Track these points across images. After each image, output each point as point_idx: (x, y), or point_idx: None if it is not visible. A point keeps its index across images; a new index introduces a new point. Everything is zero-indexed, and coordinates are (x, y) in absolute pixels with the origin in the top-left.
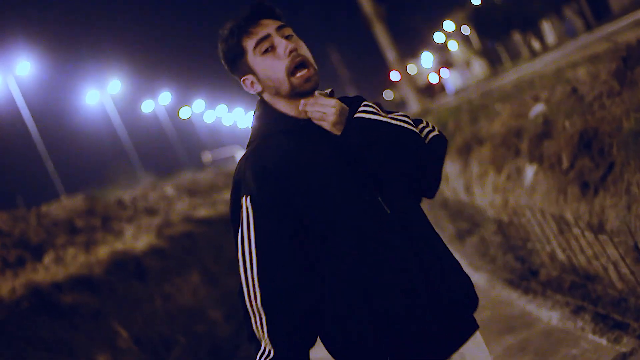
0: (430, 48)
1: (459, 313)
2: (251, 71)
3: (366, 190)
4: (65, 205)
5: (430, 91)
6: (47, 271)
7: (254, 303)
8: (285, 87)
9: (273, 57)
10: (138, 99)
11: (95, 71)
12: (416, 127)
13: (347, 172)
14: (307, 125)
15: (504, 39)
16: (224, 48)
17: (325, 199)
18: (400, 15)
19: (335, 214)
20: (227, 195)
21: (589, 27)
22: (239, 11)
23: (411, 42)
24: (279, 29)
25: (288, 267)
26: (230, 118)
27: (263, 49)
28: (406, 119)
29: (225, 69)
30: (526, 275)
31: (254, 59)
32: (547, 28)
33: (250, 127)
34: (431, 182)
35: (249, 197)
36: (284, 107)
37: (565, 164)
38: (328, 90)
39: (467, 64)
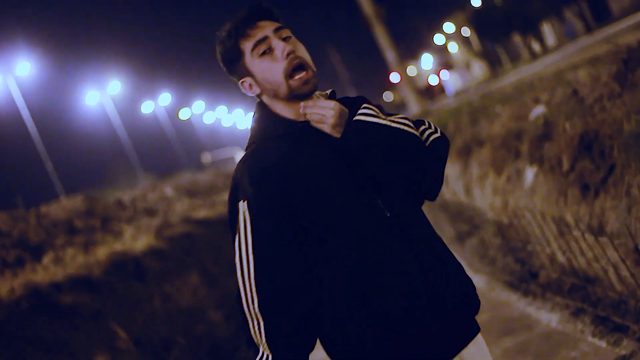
0: (430, 50)
1: (459, 316)
2: (249, 73)
3: (365, 192)
4: (64, 206)
5: (430, 93)
6: (47, 271)
7: (251, 307)
8: (283, 89)
9: (271, 59)
10: (138, 100)
11: (95, 72)
12: (417, 128)
13: (346, 175)
14: (305, 128)
15: (504, 41)
16: (221, 50)
17: (323, 201)
18: (401, 16)
19: (335, 216)
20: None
21: (589, 29)
22: (236, 13)
23: (411, 44)
24: (276, 30)
25: (285, 271)
26: (229, 119)
27: (261, 51)
28: (406, 122)
29: (224, 70)
30: (526, 278)
31: (252, 62)
32: (547, 30)
33: (249, 128)
34: (431, 184)
35: (246, 202)
36: (283, 109)
37: (565, 166)
38: (328, 91)
39: (467, 65)
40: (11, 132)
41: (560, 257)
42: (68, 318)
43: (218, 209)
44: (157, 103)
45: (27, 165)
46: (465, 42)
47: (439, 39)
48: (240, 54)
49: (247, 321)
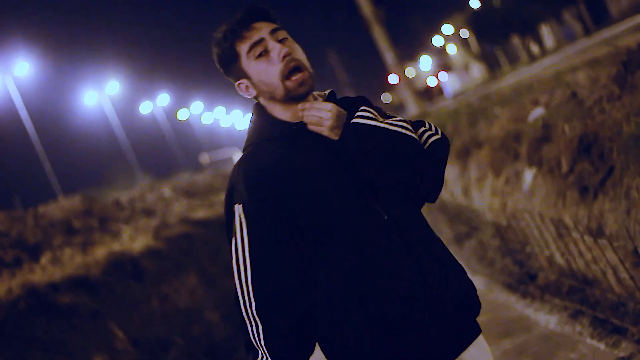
0: (429, 51)
1: (459, 318)
2: (245, 75)
3: (363, 195)
4: (62, 206)
5: (429, 94)
6: (44, 272)
7: (249, 311)
8: (279, 91)
9: (267, 61)
10: (136, 100)
11: (94, 72)
12: (417, 130)
13: (344, 177)
14: (301, 130)
15: (502, 43)
16: (217, 52)
17: (320, 203)
18: (399, 18)
19: (332, 218)
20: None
21: (587, 32)
22: (232, 14)
23: (410, 45)
24: (273, 32)
25: (282, 273)
26: (228, 120)
27: (257, 53)
28: (404, 125)
29: (220, 71)
30: (524, 279)
31: (248, 64)
32: (546, 32)
33: (247, 130)
34: (430, 187)
35: (241, 205)
36: (279, 111)
37: (564, 167)
38: (327, 92)
39: (466, 67)
40: (9, 132)
41: (559, 259)
42: (66, 318)
43: (216, 209)
44: (156, 103)
45: (25, 165)
46: (463, 43)
47: (437, 41)
48: (236, 56)
49: (245, 325)
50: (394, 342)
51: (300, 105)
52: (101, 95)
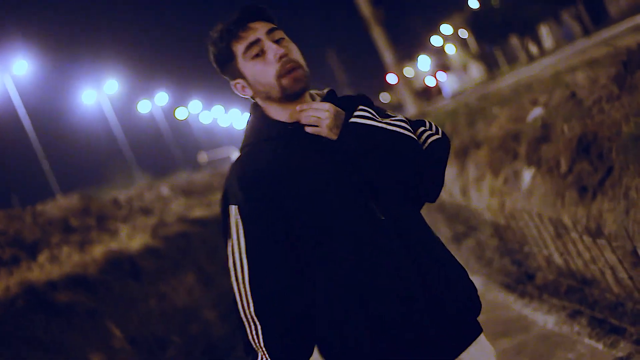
0: (428, 51)
1: (459, 318)
2: (241, 75)
3: (362, 195)
4: (60, 204)
5: (427, 94)
6: (42, 270)
7: (247, 312)
8: (275, 91)
9: (263, 62)
10: (135, 99)
11: (92, 71)
12: (416, 129)
13: (342, 177)
14: (297, 130)
15: (501, 43)
16: (213, 51)
17: (317, 203)
18: (398, 18)
19: (332, 219)
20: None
21: (586, 32)
22: (229, 13)
23: (408, 45)
24: (269, 32)
25: (279, 274)
26: (226, 119)
27: (253, 53)
28: (403, 124)
29: (217, 70)
30: (522, 279)
31: (244, 64)
32: (545, 32)
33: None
34: (429, 187)
35: (236, 206)
36: (276, 111)
37: (563, 167)
38: (325, 91)
39: (465, 67)
40: (8, 130)
41: (558, 259)
42: (64, 317)
43: (214, 208)
44: (154, 102)
45: (23, 163)
46: (462, 43)
47: (436, 41)
48: (232, 56)
49: (244, 326)
50: (393, 342)
51: (298, 107)
52: (100, 94)
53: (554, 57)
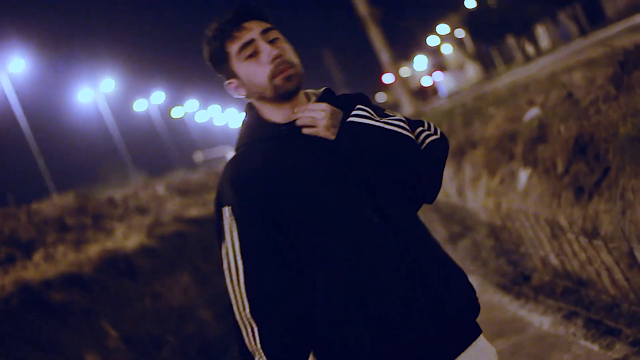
0: (424, 51)
1: (458, 319)
2: (235, 75)
3: (359, 195)
4: (56, 203)
5: (423, 94)
6: (37, 269)
7: (243, 314)
8: (269, 91)
9: (257, 62)
10: (131, 98)
11: (89, 69)
12: (415, 129)
13: (339, 177)
14: (292, 131)
15: (498, 43)
16: (208, 50)
17: (314, 203)
18: (395, 17)
19: (330, 219)
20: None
21: (583, 32)
22: (224, 12)
23: (405, 45)
24: (263, 32)
25: (275, 274)
26: (222, 118)
27: (247, 54)
28: (401, 124)
29: (212, 69)
30: (518, 280)
31: (238, 64)
32: (541, 32)
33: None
34: (427, 187)
35: (230, 208)
36: (270, 111)
37: (560, 168)
38: (321, 90)
39: (461, 67)
40: (4, 129)
41: (554, 260)
42: (58, 316)
43: (210, 208)
44: (150, 101)
45: (19, 162)
46: (459, 43)
47: (432, 41)
48: (226, 56)
49: (240, 329)
50: (393, 342)
51: (296, 109)
52: (96, 92)
53: (550, 57)
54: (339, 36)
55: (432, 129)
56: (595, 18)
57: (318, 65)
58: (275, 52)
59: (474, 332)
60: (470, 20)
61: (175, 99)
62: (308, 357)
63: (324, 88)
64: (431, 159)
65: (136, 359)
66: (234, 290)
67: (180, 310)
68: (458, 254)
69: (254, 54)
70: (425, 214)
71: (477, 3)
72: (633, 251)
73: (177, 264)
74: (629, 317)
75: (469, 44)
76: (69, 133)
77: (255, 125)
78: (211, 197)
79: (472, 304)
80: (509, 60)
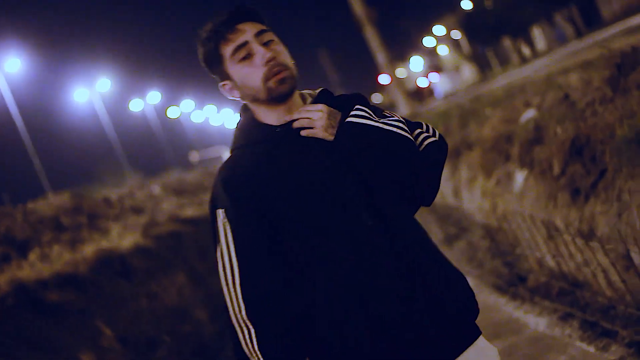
0: (420, 52)
1: (459, 319)
2: (229, 77)
3: (357, 195)
4: (51, 203)
5: (419, 95)
6: (33, 268)
7: (239, 316)
8: (262, 94)
9: (250, 65)
10: (127, 98)
11: (85, 69)
12: (413, 131)
13: (337, 177)
14: (286, 132)
15: (494, 44)
16: (202, 52)
17: (311, 204)
18: (391, 18)
19: (328, 219)
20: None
21: (579, 34)
22: (218, 13)
23: (401, 46)
24: (258, 34)
25: (271, 275)
26: (218, 118)
27: (240, 56)
28: (400, 125)
29: (206, 70)
30: (514, 281)
31: (232, 66)
32: (538, 34)
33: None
34: (426, 189)
35: (223, 210)
36: (264, 113)
37: (556, 170)
38: (318, 90)
39: (457, 68)
40: None
41: (549, 261)
42: (54, 315)
43: (205, 208)
44: (146, 101)
45: (14, 161)
46: (455, 45)
47: (428, 42)
48: (220, 58)
49: (236, 332)
50: (393, 342)
51: (287, 116)
52: (92, 92)
53: (546, 59)
54: (335, 36)
55: (431, 131)
56: (591, 20)
57: (314, 66)
58: (268, 54)
59: (474, 333)
60: (467, 22)
61: (171, 99)
62: (305, 358)
63: (320, 89)
64: (429, 160)
65: (131, 358)
66: (229, 292)
67: (175, 310)
68: (454, 255)
69: (248, 56)
70: (421, 215)
71: (474, 4)
72: (629, 253)
73: (172, 264)
74: (625, 318)
75: (465, 45)
76: (65, 133)
77: (249, 128)
78: (207, 197)
79: (471, 305)
80: (504, 62)
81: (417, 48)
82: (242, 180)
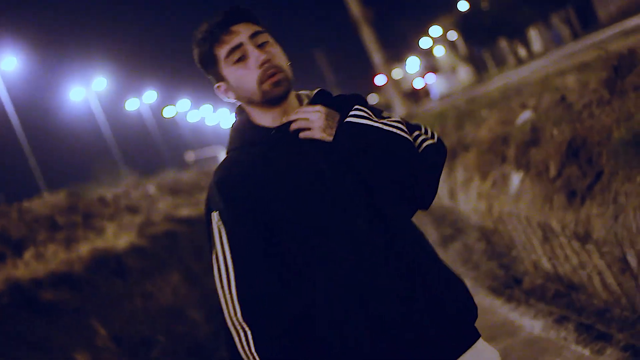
0: (416, 53)
1: (459, 319)
2: (224, 79)
3: (357, 196)
4: (47, 202)
5: (415, 96)
6: (28, 267)
7: (234, 318)
8: (257, 96)
9: (245, 67)
10: (123, 97)
11: (81, 68)
12: (412, 133)
13: (337, 177)
14: (281, 135)
15: (490, 46)
16: (197, 53)
17: (310, 204)
18: (388, 19)
19: (328, 219)
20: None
21: (575, 36)
22: (214, 14)
23: (397, 47)
24: (252, 36)
25: (267, 276)
26: (214, 118)
27: (235, 58)
28: (400, 125)
29: (201, 71)
30: (510, 283)
31: (226, 68)
32: (534, 35)
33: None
34: (425, 191)
35: (218, 212)
36: (259, 115)
37: (552, 172)
38: (315, 91)
39: (453, 69)
40: None
41: (545, 264)
42: (48, 314)
43: (201, 207)
44: (142, 100)
45: (10, 160)
46: (451, 46)
47: (425, 42)
48: (214, 60)
49: (231, 335)
50: (393, 342)
51: (285, 118)
52: (88, 91)
53: (543, 60)
54: (332, 37)
55: (429, 133)
56: (587, 21)
57: (310, 66)
58: (263, 57)
59: (474, 335)
60: (463, 23)
61: (167, 99)
62: (306, 357)
63: (317, 89)
64: (428, 162)
65: (126, 358)
66: (224, 295)
67: (170, 310)
68: (449, 256)
69: (242, 58)
70: (416, 217)
71: (470, 5)
72: (625, 256)
73: (167, 264)
74: (620, 322)
75: (461, 46)
76: (61, 131)
77: (244, 129)
78: (202, 197)
79: (471, 306)
80: (501, 63)
81: (414, 49)
82: (236, 183)
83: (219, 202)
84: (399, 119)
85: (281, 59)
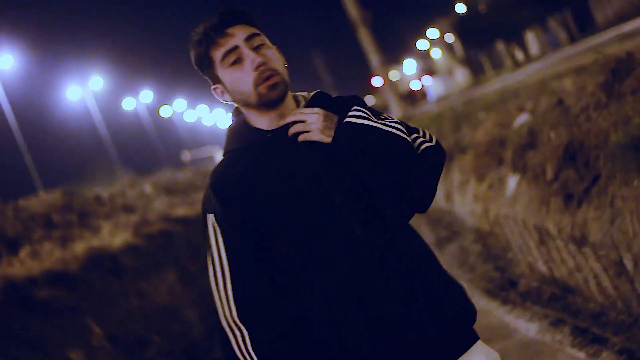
0: (413, 55)
1: (458, 320)
2: (220, 81)
3: (356, 196)
4: (42, 200)
5: (412, 98)
6: (23, 265)
7: (229, 318)
8: (253, 99)
9: (240, 70)
10: (119, 96)
11: (78, 67)
12: (410, 136)
13: (335, 179)
14: (277, 136)
15: (487, 48)
16: (193, 54)
17: (308, 207)
18: (385, 21)
19: (327, 220)
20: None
21: (573, 39)
22: (210, 15)
23: (394, 49)
24: (248, 39)
25: (262, 278)
26: (210, 118)
27: (230, 61)
28: (398, 126)
29: (198, 72)
30: (505, 286)
31: (222, 71)
32: (531, 38)
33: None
34: (424, 191)
35: (213, 214)
36: (255, 118)
37: (549, 175)
38: (312, 92)
39: (450, 72)
40: None
41: (541, 266)
42: (43, 313)
43: (197, 207)
44: (139, 100)
45: (6, 158)
46: (448, 48)
47: (422, 45)
48: (210, 62)
49: (227, 336)
50: (393, 342)
51: (281, 122)
52: (84, 90)
53: (540, 63)
54: (329, 38)
55: (427, 136)
56: (585, 25)
57: (307, 67)
58: (258, 59)
59: (473, 336)
60: (460, 25)
61: (164, 98)
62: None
63: (315, 91)
64: (428, 162)
65: (121, 358)
66: (219, 296)
67: (166, 309)
68: (445, 258)
69: (238, 61)
70: (412, 219)
71: (467, 8)
72: (622, 259)
73: (163, 263)
74: (616, 325)
75: (458, 48)
76: (57, 130)
77: (240, 132)
78: (198, 196)
79: (470, 308)
80: (498, 66)
81: (411, 51)
82: (231, 185)
83: (215, 204)
84: (398, 120)
85: (277, 62)
